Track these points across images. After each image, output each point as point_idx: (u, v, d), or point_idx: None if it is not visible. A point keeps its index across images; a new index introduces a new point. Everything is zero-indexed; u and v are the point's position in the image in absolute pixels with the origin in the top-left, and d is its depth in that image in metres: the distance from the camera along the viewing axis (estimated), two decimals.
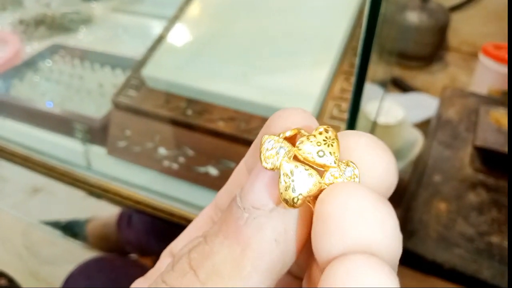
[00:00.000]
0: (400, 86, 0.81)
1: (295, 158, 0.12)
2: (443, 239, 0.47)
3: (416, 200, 0.51)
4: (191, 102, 0.43)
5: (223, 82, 0.41)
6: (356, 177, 0.13)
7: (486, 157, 0.52)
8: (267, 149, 0.13)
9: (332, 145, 0.12)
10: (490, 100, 0.63)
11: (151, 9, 0.77)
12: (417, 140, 0.62)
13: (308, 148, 0.12)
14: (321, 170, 0.12)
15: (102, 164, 0.50)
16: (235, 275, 0.13)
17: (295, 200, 0.12)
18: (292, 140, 0.13)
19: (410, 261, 0.47)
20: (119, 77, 0.59)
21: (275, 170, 0.13)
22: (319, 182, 0.12)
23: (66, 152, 0.52)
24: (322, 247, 0.12)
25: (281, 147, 0.13)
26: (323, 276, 0.11)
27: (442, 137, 0.58)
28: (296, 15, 0.44)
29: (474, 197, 0.50)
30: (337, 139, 0.13)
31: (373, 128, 0.51)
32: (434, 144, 0.57)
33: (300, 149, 0.12)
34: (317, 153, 0.12)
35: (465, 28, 0.88)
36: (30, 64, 0.63)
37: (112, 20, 0.79)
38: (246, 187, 0.13)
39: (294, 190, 0.12)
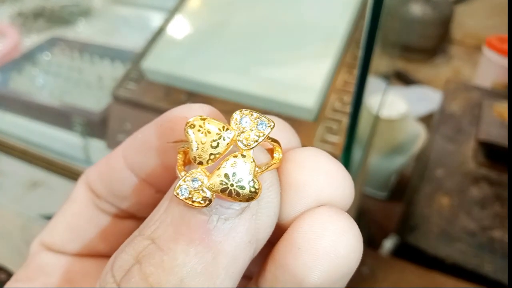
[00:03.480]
0: (403, 79, 0.81)
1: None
2: (445, 234, 0.47)
3: (419, 194, 0.50)
4: (191, 95, 0.42)
5: (224, 75, 0.40)
6: (262, 134, 0.12)
7: (489, 151, 0.52)
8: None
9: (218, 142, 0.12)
10: (493, 94, 0.62)
11: (150, 1, 0.77)
12: (420, 134, 0.61)
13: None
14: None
15: (102, 157, 0.49)
16: (207, 286, 0.11)
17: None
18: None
19: (412, 255, 0.47)
20: (119, 70, 0.58)
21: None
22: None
23: (65, 145, 0.52)
24: (285, 207, 0.13)
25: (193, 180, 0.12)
26: (291, 231, 0.12)
27: (445, 131, 0.57)
28: (298, 7, 0.43)
29: (476, 192, 0.50)
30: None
31: (375, 122, 0.51)
32: (437, 138, 0.56)
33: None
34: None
35: (469, 21, 0.87)
36: (29, 57, 0.62)
37: (112, 12, 0.78)
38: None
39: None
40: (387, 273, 0.46)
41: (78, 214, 0.17)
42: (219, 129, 0.12)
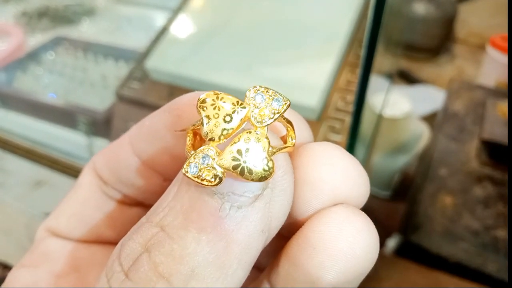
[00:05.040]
0: (407, 78, 0.81)
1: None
2: (449, 233, 0.46)
3: (422, 193, 0.50)
4: None
5: (227, 74, 0.40)
6: (277, 112, 0.11)
7: (492, 150, 0.52)
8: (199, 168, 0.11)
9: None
10: (497, 93, 0.62)
11: (154, 0, 0.77)
12: (423, 133, 0.61)
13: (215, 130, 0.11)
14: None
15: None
16: (219, 276, 0.11)
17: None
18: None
19: (415, 254, 0.47)
20: (123, 69, 0.59)
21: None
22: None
23: (70, 144, 0.52)
24: (300, 203, 0.12)
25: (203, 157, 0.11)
26: (305, 230, 0.12)
27: (448, 130, 0.57)
28: (301, 6, 0.43)
29: (480, 191, 0.50)
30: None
31: (379, 121, 0.51)
32: (440, 137, 0.56)
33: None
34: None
35: (473, 19, 0.87)
36: (33, 56, 0.63)
37: (115, 12, 0.78)
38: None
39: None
40: (390, 272, 0.46)
41: (85, 200, 0.16)
42: (232, 103, 0.11)
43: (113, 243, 0.17)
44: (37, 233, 0.17)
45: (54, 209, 0.17)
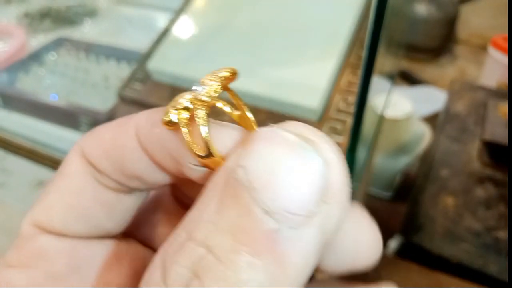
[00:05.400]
0: (408, 79, 0.80)
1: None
2: (450, 234, 0.46)
3: (423, 194, 0.50)
4: None
5: None
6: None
7: (494, 151, 0.52)
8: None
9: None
10: (499, 94, 0.62)
11: (156, 1, 0.77)
12: (425, 134, 0.61)
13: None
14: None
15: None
16: None
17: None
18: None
19: (417, 255, 0.47)
20: (125, 70, 0.59)
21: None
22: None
23: (72, 145, 0.52)
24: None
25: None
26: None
27: (450, 131, 0.57)
28: (303, 7, 0.43)
29: (481, 192, 0.50)
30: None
31: (380, 122, 0.51)
32: (441, 138, 0.56)
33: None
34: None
35: (474, 20, 0.87)
36: (36, 57, 0.63)
37: (117, 13, 0.79)
38: (274, 189, 0.10)
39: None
40: (391, 273, 0.46)
41: (79, 191, 0.15)
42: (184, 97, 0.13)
43: (112, 235, 0.16)
44: (22, 227, 0.15)
45: (39, 201, 0.15)
